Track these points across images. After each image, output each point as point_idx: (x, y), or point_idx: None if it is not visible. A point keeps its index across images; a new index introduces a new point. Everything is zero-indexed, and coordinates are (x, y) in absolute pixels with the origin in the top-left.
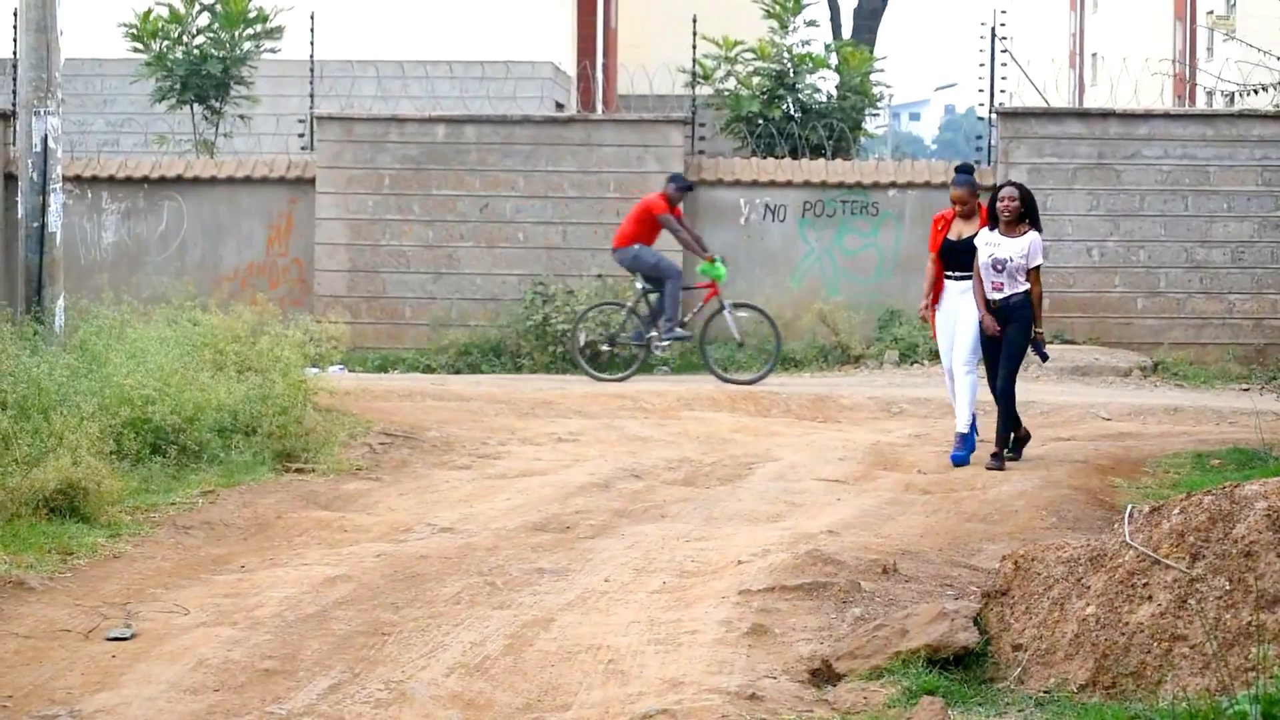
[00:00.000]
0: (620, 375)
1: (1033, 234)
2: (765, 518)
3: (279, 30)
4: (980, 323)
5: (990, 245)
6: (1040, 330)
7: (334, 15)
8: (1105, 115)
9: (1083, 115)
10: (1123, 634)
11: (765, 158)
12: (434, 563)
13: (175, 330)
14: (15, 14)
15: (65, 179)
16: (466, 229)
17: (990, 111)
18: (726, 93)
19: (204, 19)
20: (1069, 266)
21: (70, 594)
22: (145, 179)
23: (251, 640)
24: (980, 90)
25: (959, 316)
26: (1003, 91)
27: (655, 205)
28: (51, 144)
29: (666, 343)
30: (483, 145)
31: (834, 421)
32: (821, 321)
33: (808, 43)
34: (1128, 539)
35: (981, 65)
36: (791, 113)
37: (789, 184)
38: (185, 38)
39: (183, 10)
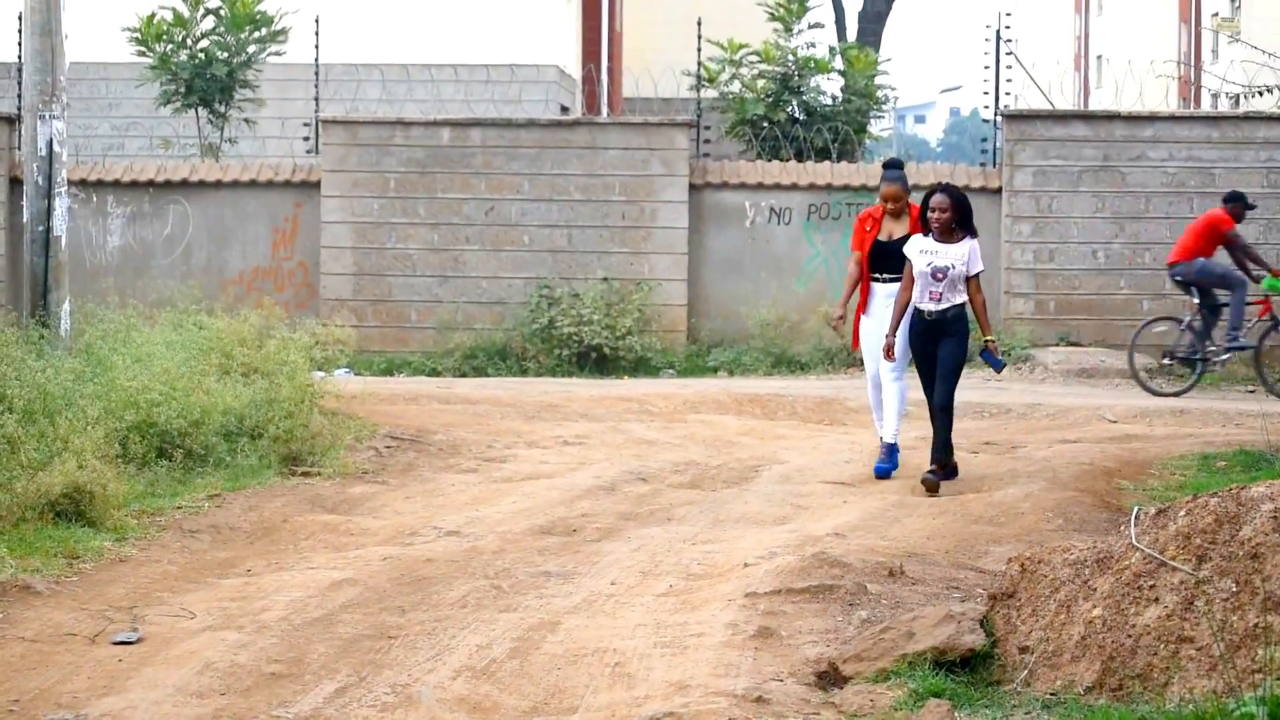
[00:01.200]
0: (1177, 390)
1: (970, 240)
2: (772, 520)
3: (284, 33)
4: (886, 336)
5: (928, 253)
6: (993, 339)
7: (339, 18)
8: (1110, 117)
9: (1088, 117)
10: (1129, 636)
11: (770, 160)
12: (440, 566)
13: (181, 334)
14: (20, 18)
15: (70, 183)
16: (472, 232)
17: (995, 114)
18: (731, 95)
19: (208, 22)
20: (1074, 269)
21: (76, 598)
22: (150, 183)
23: (258, 644)
24: (985, 93)
25: (889, 322)
26: (1008, 94)
27: (1223, 222)
28: (56, 148)
29: (1226, 355)
30: (488, 148)
31: (840, 424)
32: (827, 324)
33: (812, 45)
34: (1134, 541)
35: (987, 68)
36: (796, 115)
37: (794, 187)
38: (190, 41)
39: (187, 14)
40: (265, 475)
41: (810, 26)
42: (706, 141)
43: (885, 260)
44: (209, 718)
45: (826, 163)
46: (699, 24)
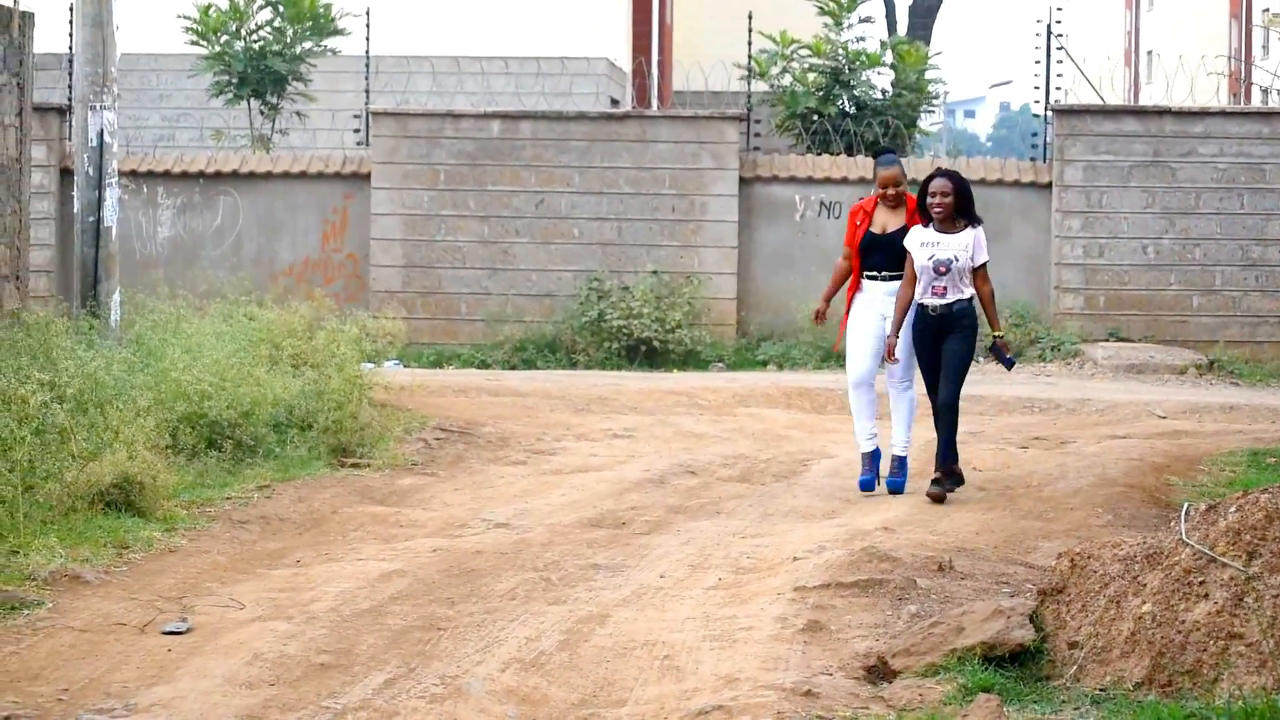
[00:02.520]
0: None
1: (974, 229)
2: (821, 514)
3: (342, 30)
4: (888, 338)
5: (929, 245)
6: (1001, 335)
7: (390, 11)
8: (1161, 113)
9: (1138, 113)
10: (1179, 632)
11: (820, 154)
12: (489, 558)
13: (231, 325)
14: (72, 9)
15: (121, 174)
16: (522, 225)
17: (1046, 109)
18: (782, 89)
19: (264, 14)
20: (1124, 264)
21: (126, 588)
22: (201, 174)
23: (307, 635)
24: (1036, 88)
25: (887, 324)
26: (1058, 89)
27: None
28: (107, 139)
29: None
30: (538, 141)
31: (889, 418)
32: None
33: (863, 39)
34: (1184, 537)
35: (1037, 63)
36: (847, 109)
37: (844, 181)
38: (244, 33)
39: (243, 6)
40: (314, 466)
41: (861, 20)
42: (756, 135)
43: (878, 254)
44: (258, 708)
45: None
46: (749, 17)
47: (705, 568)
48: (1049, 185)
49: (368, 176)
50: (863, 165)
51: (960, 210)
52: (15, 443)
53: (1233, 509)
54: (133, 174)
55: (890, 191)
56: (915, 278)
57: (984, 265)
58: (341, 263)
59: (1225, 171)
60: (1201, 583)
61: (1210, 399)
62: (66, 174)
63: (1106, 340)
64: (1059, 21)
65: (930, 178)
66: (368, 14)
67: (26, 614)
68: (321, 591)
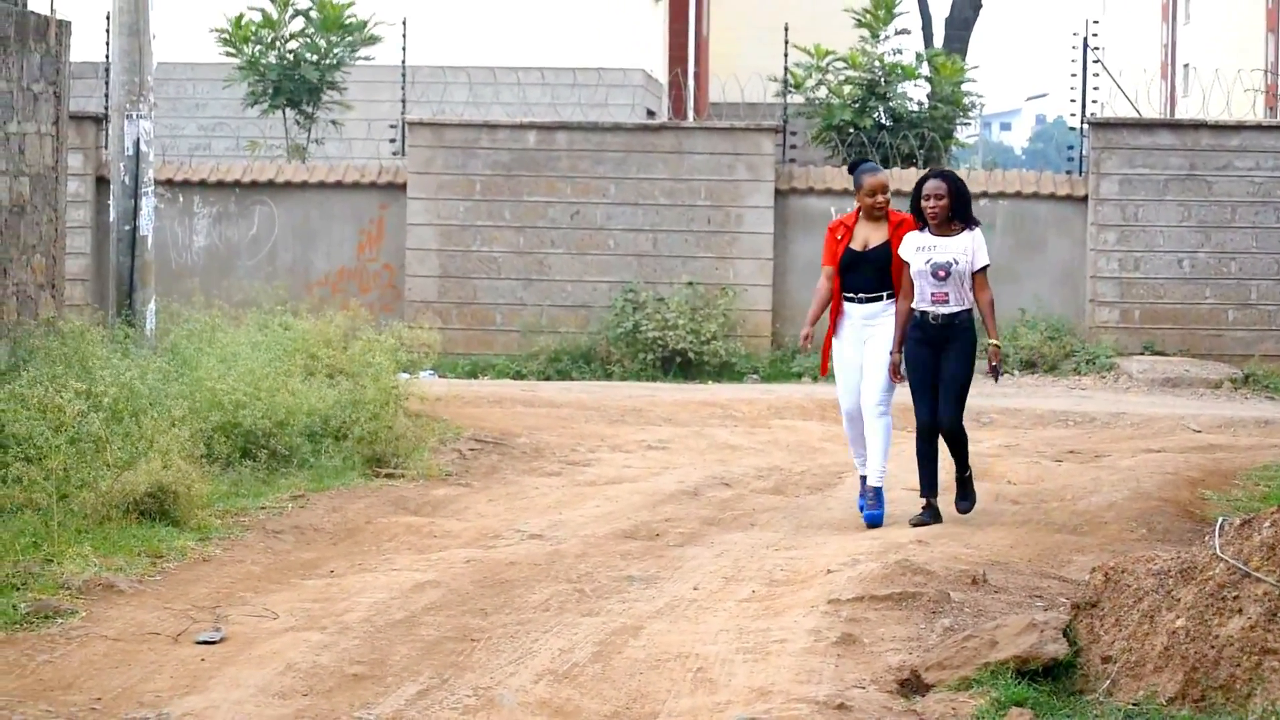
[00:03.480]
0: None
1: (971, 231)
2: (854, 527)
3: (376, 39)
4: (891, 354)
5: (926, 249)
6: (997, 343)
7: (426, 21)
8: (1197, 126)
9: (1174, 126)
10: (1212, 647)
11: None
12: (523, 569)
13: (266, 335)
14: (108, 18)
15: (157, 183)
16: (557, 235)
17: (1082, 122)
18: (818, 101)
19: (297, 23)
20: (1160, 278)
21: (160, 597)
22: (237, 183)
23: (340, 645)
24: (1072, 100)
25: (868, 347)
26: (1094, 102)
27: None
28: (143, 147)
29: None
30: (574, 152)
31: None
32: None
33: (899, 52)
34: (1218, 552)
35: (1073, 75)
36: (883, 122)
37: None
38: (278, 43)
39: (276, 15)
40: (349, 476)
41: (897, 33)
42: (793, 147)
43: (859, 273)
44: (291, 718)
45: (912, 169)
46: (785, 29)
47: (739, 580)
48: (1085, 198)
49: (403, 186)
50: (899, 178)
51: (957, 212)
52: (51, 451)
53: (1267, 524)
54: (169, 183)
55: (880, 199)
56: (911, 288)
57: (984, 270)
58: (377, 272)
59: (1261, 185)
60: (1235, 597)
61: (1245, 413)
62: (103, 182)
63: (1141, 354)
64: (1095, 34)
65: (924, 179)
66: (404, 24)
67: (60, 623)
68: (355, 602)
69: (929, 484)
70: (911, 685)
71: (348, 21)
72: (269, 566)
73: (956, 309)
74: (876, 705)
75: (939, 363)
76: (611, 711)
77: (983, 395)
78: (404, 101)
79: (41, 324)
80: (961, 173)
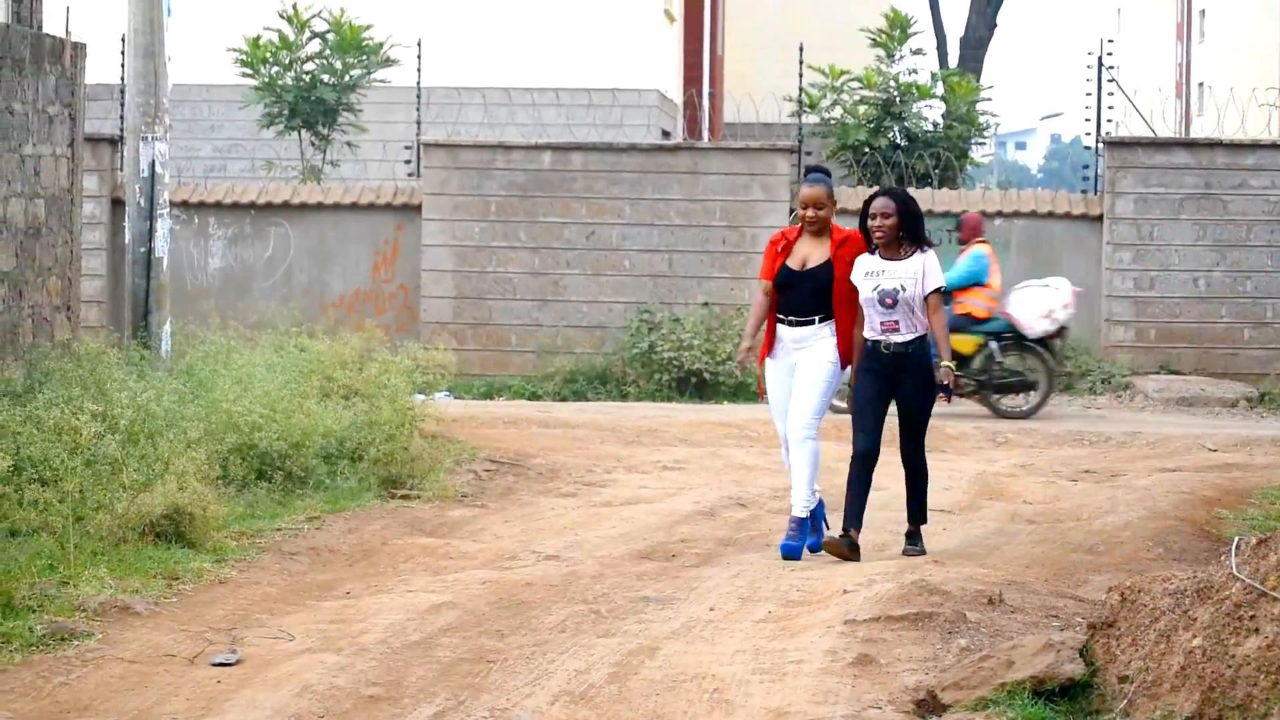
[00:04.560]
0: None
1: (922, 254)
2: (871, 547)
3: (392, 60)
4: (847, 369)
5: (873, 275)
6: (949, 364)
7: (441, 42)
8: (1212, 145)
9: (1190, 145)
10: (1229, 666)
11: (871, 186)
12: (539, 590)
13: (282, 356)
14: (124, 39)
15: (172, 204)
16: (572, 256)
17: (1097, 141)
18: (833, 121)
19: (313, 45)
20: (1175, 297)
21: (176, 619)
22: (252, 204)
23: (356, 667)
24: (1087, 120)
25: (798, 370)
26: (1109, 121)
27: None
28: (159, 169)
29: None
30: (589, 173)
31: (939, 451)
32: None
33: (914, 71)
34: (1234, 571)
35: (1088, 95)
36: (898, 141)
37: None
38: (295, 64)
39: (293, 37)
40: (364, 498)
41: (913, 53)
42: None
43: (794, 293)
44: None
45: (928, 189)
46: (800, 49)
47: (755, 600)
48: (1100, 217)
49: (419, 207)
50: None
51: (907, 233)
52: (67, 474)
53: None
54: (184, 204)
55: (809, 213)
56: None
57: (935, 292)
58: (393, 294)
59: (1277, 204)
60: (1252, 617)
61: (1261, 432)
62: (118, 204)
63: (1157, 373)
64: (1110, 54)
65: (871, 198)
66: (419, 45)
67: (76, 645)
68: (371, 623)
69: (854, 514)
70: (928, 706)
71: (365, 44)
72: (285, 588)
73: (909, 337)
74: None
75: (889, 393)
76: None
77: (998, 415)
78: (419, 123)
79: (57, 346)
80: (975, 193)
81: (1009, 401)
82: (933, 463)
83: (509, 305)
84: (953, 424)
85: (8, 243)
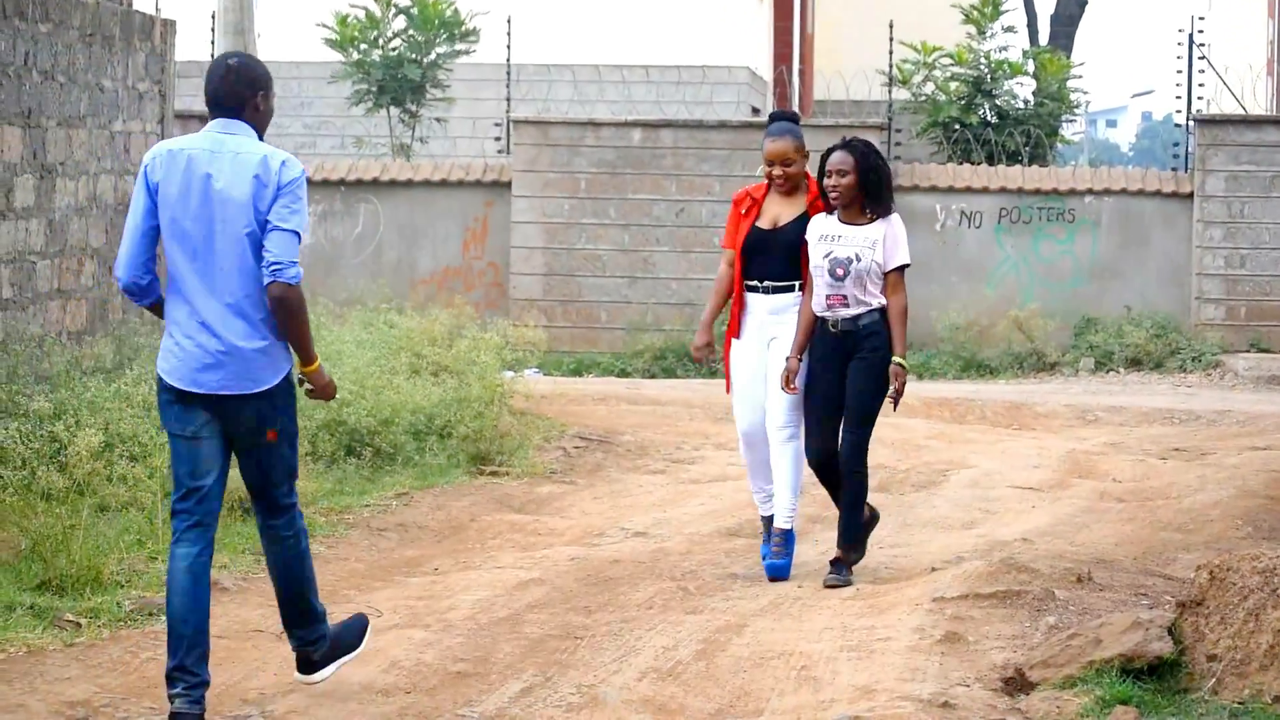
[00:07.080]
0: None
1: (887, 220)
2: (959, 525)
3: (474, 34)
4: (788, 359)
5: (826, 240)
6: (902, 361)
7: (530, 19)
8: None
9: None
10: None
11: (961, 164)
12: (626, 567)
13: (371, 333)
14: (213, 17)
15: None
16: (662, 233)
17: (1188, 119)
18: (924, 98)
19: (399, 22)
20: (1266, 274)
21: (264, 595)
22: (342, 181)
23: (444, 643)
24: (1178, 97)
25: (773, 350)
26: (1200, 99)
27: None
28: None
29: None
30: (679, 150)
31: (1029, 429)
32: (1017, 328)
33: (1005, 48)
34: None
35: (1179, 72)
36: (988, 118)
37: (985, 190)
38: (381, 41)
39: (379, 14)
40: (453, 474)
41: (1004, 30)
42: (898, 144)
43: (766, 256)
44: (394, 715)
45: (1018, 166)
46: (891, 26)
47: None
48: (1190, 195)
49: (508, 184)
50: (1004, 175)
51: (867, 194)
52: (156, 449)
53: None
54: None
55: (777, 171)
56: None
57: (901, 268)
58: (482, 270)
59: None
60: None
61: None
62: None
63: (1248, 351)
64: (1201, 31)
65: (829, 151)
66: (509, 22)
67: (164, 620)
68: (459, 599)
69: (849, 531)
70: (1016, 684)
71: (446, 18)
72: (373, 564)
73: (859, 312)
74: (981, 704)
75: (842, 379)
76: (715, 709)
77: (1088, 393)
78: (509, 99)
79: (146, 322)
80: (1066, 171)
81: None
82: (1022, 441)
83: (598, 282)
84: (1041, 401)
85: (98, 219)
